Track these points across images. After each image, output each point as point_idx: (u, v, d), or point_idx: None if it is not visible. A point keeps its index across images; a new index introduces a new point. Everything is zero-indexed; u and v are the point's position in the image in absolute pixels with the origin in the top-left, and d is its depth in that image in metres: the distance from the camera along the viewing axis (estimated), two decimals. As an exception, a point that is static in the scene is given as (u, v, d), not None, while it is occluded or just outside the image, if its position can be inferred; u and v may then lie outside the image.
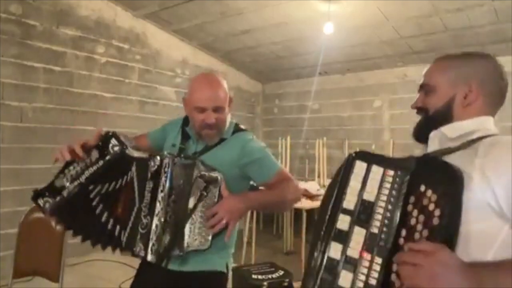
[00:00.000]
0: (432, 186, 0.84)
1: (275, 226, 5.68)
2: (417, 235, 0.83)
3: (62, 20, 3.97)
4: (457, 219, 0.82)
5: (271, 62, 5.74)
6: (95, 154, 1.46)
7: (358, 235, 0.91)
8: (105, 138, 1.48)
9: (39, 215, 2.06)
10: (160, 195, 1.38)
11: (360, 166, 0.96)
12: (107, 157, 1.45)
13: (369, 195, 0.92)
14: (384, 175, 0.92)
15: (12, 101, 3.63)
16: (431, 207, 0.82)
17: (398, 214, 0.87)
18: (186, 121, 1.62)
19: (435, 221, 0.81)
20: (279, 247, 4.95)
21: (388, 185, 0.90)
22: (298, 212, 4.30)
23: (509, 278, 0.73)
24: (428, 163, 0.91)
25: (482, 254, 0.82)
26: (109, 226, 1.44)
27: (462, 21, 3.90)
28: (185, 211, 1.36)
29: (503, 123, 1.20)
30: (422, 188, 0.85)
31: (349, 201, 0.95)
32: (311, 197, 4.11)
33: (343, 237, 0.93)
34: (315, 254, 0.96)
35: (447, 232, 0.81)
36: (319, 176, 5.07)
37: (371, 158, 0.97)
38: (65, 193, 1.46)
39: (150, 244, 1.37)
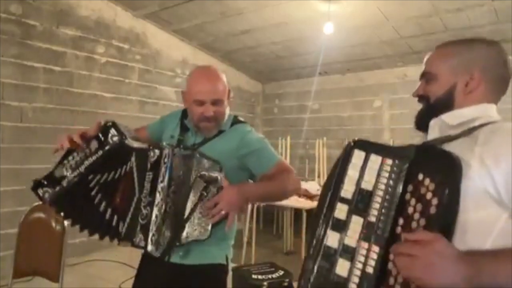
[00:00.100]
0: (430, 174, 0.83)
1: (275, 226, 5.67)
2: (414, 224, 0.83)
3: (62, 20, 3.98)
4: (454, 208, 0.81)
5: (271, 62, 5.74)
6: (94, 144, 1.46)
7: (356, 224, 0.91)
8: (105, 128, 1.47)
9: (39, 215, 2.07)
10: (160, 186, 1.38)
11: (358, 155, 0.96)
12: (107, 147, 1.45)
13: (367, 184, 0.92)
14: (382, 164, 0.91)
15: (12, 101, 3.63)
16: (429, 196, 0.82)
17: (395, 203, 0.87)
18: (185, 113, 1.62)
19: (432, 210, 0.81)
20: (279, 247, 4.94)
21: (386, 174, 0.90)
22: (298, 212, 4.30)
23: (508, 267, 0.72)
24: (426, 151, 0.90)
25: (481, 242, 0.81)
26: (107, 216, 1.44)
27: (462, 21, 3.90)
28: (184, 201, 1.36)
29: (505, 105, 1.20)
30: (420, 176, 0.85)
31: (347, 190, 0.95)
32: (311, 197, 4.10)
33: (341, 226, 0.93)
34: (314, 242, 0.96)
35: (444, 221, 0.80)
36: (319, 176, 5.06)
37: (369, 147, 0.96)
38: (64, 183, 1.46)
39: (150, 235, 1.37)
